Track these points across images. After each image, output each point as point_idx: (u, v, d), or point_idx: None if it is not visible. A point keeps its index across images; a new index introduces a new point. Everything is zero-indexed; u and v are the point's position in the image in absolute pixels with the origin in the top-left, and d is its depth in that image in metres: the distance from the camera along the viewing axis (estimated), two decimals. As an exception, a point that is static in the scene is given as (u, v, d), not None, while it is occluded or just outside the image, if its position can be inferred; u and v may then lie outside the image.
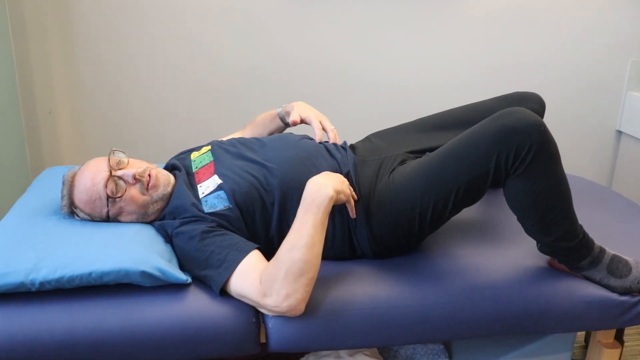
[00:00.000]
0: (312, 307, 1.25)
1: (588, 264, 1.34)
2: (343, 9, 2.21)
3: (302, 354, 1.59)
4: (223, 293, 1.25)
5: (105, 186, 1.31)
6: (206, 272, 1.25)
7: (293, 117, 1.55)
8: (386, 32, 2.27)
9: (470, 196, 1.32)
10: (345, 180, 1.34)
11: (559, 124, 2.47)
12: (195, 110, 2.25)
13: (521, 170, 1.23)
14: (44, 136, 2.15)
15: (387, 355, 1.64)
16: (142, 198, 1.34)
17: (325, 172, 1.35)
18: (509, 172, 1.24)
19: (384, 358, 1.63)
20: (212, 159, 1.46)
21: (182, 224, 1.31)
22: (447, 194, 1.30)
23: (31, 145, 2.11)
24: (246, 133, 1.72)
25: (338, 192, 1.27)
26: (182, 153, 1.60)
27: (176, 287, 1.24)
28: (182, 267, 1.31)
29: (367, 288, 1.31)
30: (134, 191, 1.34)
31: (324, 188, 1.25)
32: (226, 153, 1.48)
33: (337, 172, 1.43)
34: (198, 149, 1.57)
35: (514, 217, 1.56)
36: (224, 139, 1.62)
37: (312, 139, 1.55)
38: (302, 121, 1.57)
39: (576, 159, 2.56)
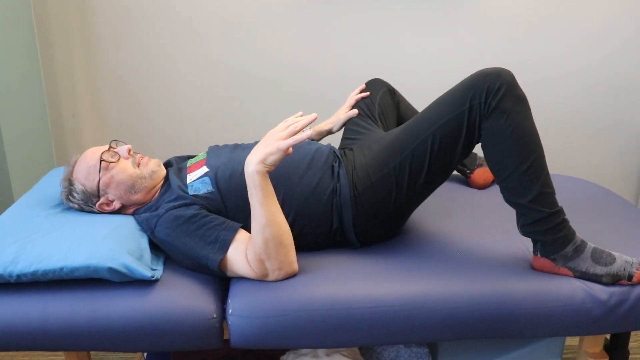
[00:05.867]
0: (273, 305, 1.29)
1: (572, 250, 1.33)
2: (349, 11, 2.22)
3: (283, 352, 1.63)
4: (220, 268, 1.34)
5: (102, 154, 1.47)
6: (200, 253, 1.33)
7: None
8: (394, 32, 2.26)
9: (447, 148, 1.37)
10: (271, 135, 1.29)
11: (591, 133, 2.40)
12: (206, 115, 2.34)
13: (494, 105, 1.30)
14: (69, 137, 2.31)
15: (369, 357, 1.65)
16: (132, 170, 1.48)
17: (257, 145, 1.31)
18: (483, 112, 1.32)
19: (366, 359, 1.65)
20: (205, 156, 1.56)
21: (167, 211, 1.39)
22: (425, 139, 1.37)
23: (57, 146, 2.27)
24: None
25: (263, 160, 1.27)
26: (182, 156, 1.69)
27: (143, 283, 1.31)
28: (169, 256, 1.41)
29: (330, 288, 1.32)
30: (126, 163, 1.49)
31: (248, 167, 1.29)
32: (221, 150, 1.58)
33: (314, 154, 1.49)
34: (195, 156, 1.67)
35: (500, 219, 1.54)
36: None
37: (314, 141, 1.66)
38: None
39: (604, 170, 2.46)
